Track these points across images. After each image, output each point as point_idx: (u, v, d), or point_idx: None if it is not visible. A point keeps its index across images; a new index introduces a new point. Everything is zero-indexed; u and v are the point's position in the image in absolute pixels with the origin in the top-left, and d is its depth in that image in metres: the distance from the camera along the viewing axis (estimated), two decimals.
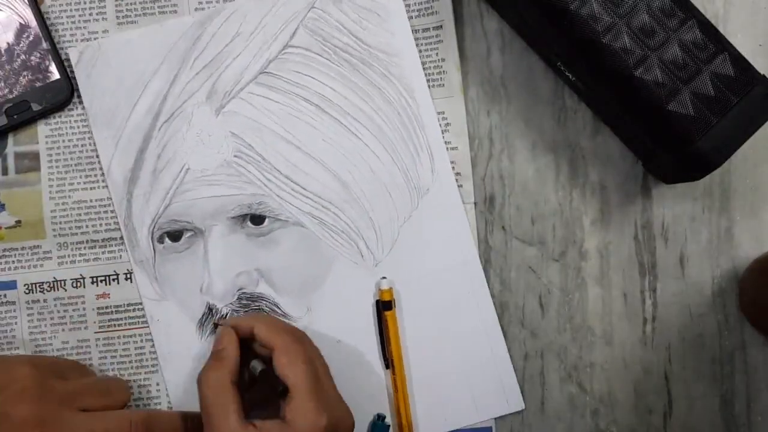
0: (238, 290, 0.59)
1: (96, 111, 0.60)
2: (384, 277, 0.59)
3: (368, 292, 0.60)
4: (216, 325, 0.58)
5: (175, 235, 0.60)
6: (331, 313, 0.60)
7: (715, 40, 0.53)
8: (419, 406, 0.59)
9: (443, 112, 0.60)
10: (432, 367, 0.59)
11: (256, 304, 0.59)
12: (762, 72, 0.53)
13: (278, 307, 0.59)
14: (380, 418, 0.59)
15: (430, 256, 0.60)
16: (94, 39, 0.61)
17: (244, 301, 0.59)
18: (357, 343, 0.60)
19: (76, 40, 0.61)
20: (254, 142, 0.60)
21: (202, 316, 0.59)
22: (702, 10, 0.54)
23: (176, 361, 0.59)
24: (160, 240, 0.60)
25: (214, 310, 0.59)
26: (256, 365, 0.54)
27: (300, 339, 0.54)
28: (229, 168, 0.59)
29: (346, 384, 0.55)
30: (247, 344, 0.55)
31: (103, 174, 0.60)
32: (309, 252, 0.59)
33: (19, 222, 0.60)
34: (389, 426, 0.59)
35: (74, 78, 0.60)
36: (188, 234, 0.60)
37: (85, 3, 0.61)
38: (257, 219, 0.59)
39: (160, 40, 0.60)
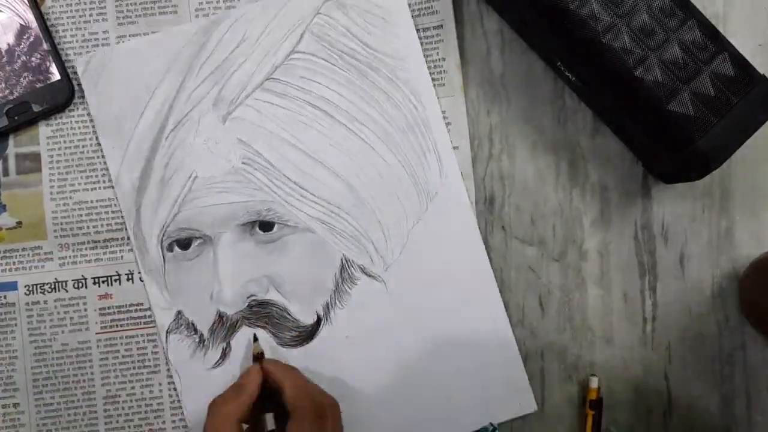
0: (248, 297, 0.59)
1: (103, 119, 0.60)
2: None
3: (378, 296, 0.59)
4: (257, 357, 0.58)
5: (185, 243, 0.59)
6: (341, 317, 0.59)
7: (715, 40, 0.53)
8: (431, 409, 0.59)
9: (444, 112, 0.60)
10: (443, 369, 0.59)
11: (266, 310, 0.59)
12: (762, 72, 0.52)
13: (288, 314, 0.59)
14: (493, 428, 0.58)
15: (440, 258, 0.59)
16: (96, 41, 0.61)
17: (255, 308, 0.59)
18: (367, 342, 0.59)
19: (77, 41, 0.61)
20: (262, 149, 0.59)
21: (213, 323, 0.59)
22: (702, 10, 0.53)
23: (189, 369, 0.59)
24: (170, 248, 0.59)
25: (224, 318, 0.59)
26: (269, 422, 0.54)
27: (321, 415, 0.52)
28: (237, 175, 0.59)
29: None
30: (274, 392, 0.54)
31: (104, 174, 0.60)
32: (318, 257, 0.59)
33: (19, 223, 0.60)
34: None
35: (75, 79, 0.61)
36: (197, 242, 0.59)
37: (85, 4, 0.61)
38: (266, 225, 0.59)
39: (166, 48, 0.60)
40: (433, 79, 0.60)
